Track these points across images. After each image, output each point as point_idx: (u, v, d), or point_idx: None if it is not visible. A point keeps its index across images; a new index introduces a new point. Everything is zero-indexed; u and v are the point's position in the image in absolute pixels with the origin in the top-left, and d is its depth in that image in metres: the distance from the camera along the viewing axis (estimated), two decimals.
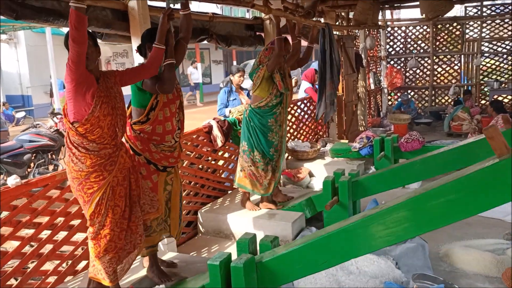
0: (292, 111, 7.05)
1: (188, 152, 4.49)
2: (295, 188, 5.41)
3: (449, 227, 4.38)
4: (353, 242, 2.31)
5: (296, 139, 6.97)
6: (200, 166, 4.70)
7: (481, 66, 11.06)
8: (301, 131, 7.32)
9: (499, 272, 3.36)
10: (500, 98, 9.89)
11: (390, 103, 11.46)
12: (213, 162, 4.94)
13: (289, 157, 6.38)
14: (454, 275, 3.44)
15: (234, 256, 2.53)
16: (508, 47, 10.80)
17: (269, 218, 4.09)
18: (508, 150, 1.85)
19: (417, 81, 11.58)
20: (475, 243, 3.98)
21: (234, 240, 4.16)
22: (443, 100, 11.44)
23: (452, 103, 10.28)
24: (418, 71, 11.53)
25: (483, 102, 10.87)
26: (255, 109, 4.15)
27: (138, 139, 2.95)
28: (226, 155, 5.15)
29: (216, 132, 4.77)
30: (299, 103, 7.26)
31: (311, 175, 5.89)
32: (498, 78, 10.93)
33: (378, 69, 11.31)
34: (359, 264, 3.42)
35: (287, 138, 6.43)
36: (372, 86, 10.40)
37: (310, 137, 7.58)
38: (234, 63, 21.23)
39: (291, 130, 6.96)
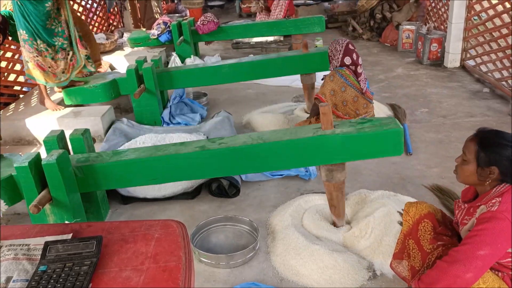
0: (78, 0, 6.39)
1: None
2: None
3: (247, 99, 4.91)
4: (181, 168, 2.42)
5: None
6: None
7: None
8: (92, 22, 6.76)
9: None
10: None
11: None
12: None
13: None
14: None
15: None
16: None
17: (75, 116, 3.86)
18: (332, 126, 2.24)
19: None
20: (270, 108, 4.55)
21: (39, 145, 3.86)
22: None
23: None
24: None
25: None
26: None
27: None
28: (9, 54, 4.49)
29: None
30: None
31: (112, 67, 5.62)
32: None
33: None
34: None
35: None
36: None
37: (104, 28, 7.09)
38: None
39: None
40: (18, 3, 3.55)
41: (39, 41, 3.67)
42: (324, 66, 3.99)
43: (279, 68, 4.28)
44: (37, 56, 3.71)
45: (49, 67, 3.78)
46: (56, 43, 3.74)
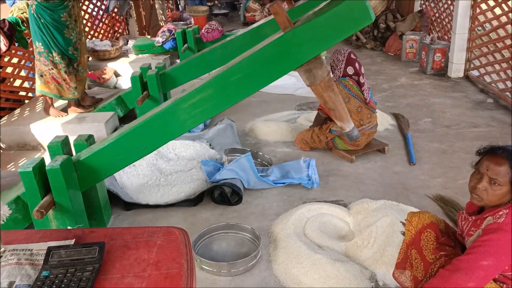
0: (84, 7, 6.45)
1: None
2: (103, 90, 5.18)
3: (250, 107, 4.91)
4: (167, 125, 2.38)
5: (94, 38, 6.49)
6: None
7: None
8: (98, 29, 6.81)
9: (293, 137, 3.98)
10: None
11: None
12: None
13: (90, 58, 5.95)
14: (259, 145, 3.94)
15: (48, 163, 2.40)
16: None
17: (80, 122, 3.88)
18: (291, 24, 2.06)
19: None
20: (273, 116, 4.56)
21: (44, 150, 3.88)
22: None
23: None
24: None
25: None
26: (43, 4, 3.61)
27: None
28: (15, 60, 4.53)
29: None
30: None
31: (117, 74, 5.66)
32: None
33: None
34: (176, 151, 3.61)
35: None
36: None
37: (109, 35, 7.14)
38: None
39: (86, 29, 6.43)
40: (35, 15, 3.63)
41: (54, 53, 3.73)
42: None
43: (269, 32, 4.09)
44: (52, 69, 3.77)
45: (64, 80, 3.84)
46: (69, 52, 3.80)
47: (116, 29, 7.48)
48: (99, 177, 2.48)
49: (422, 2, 7.11)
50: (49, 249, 1.24)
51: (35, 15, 3.64)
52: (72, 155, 2.58)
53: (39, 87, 3.89)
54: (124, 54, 6.27)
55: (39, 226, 2.34)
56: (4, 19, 4.22)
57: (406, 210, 2.70)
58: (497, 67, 4.85)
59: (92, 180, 2.46)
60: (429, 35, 6.32)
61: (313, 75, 2.09)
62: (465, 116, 4.41)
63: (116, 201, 3.01)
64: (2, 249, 1.27)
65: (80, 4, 4.84)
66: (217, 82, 2.25)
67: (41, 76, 3.84)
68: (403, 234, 2.06)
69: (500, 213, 1.67)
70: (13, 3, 4.59)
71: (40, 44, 3.71)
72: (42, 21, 3.63)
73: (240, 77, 2.19)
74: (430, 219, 1.97)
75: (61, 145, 2.47)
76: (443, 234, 1.94)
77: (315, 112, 4.36)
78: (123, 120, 4.36)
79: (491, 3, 4.93)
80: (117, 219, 2.92)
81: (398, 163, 3.51)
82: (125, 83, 5.44)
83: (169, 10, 10.01)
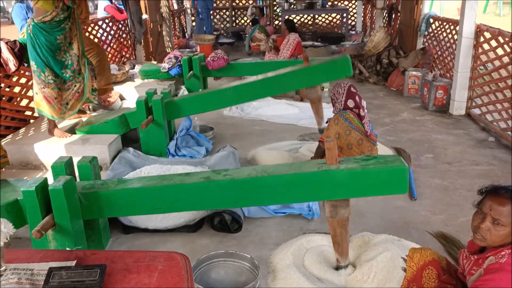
0: (94, 32, 6.58)
1: None
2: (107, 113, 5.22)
3: (253, 135, 4.94)
4: (189, 199, 2.41)
5: None
6: None
7: None
8: (106, 53, 6.91)
9: None
10: (291, 18, 10.90)
11: (193, 24, 11.58)
12: (7, 89, 4.37)
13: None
14: None
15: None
16: None
17: (83, 143, 3.90)
18: (336, 162, 2.23)
19: (218, 2, 11.89)
20: (275, 145, 4.57)
21: (46, 170, 3.88)
22: (242, 21, 12.08)
23: (250, 23, 10.96)
24: None
25: (276, 22, 11.86)
26: (40, 24, 3.66)
27: None
28: (23, 80, 4.59)
29: (6, 54, 4.16)
30: (100, 23, 6.78)
31: (122, 98, 5.72)
32: None
33: None
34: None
35: None
36: (175, 6, 10.29)
37: (116, 59, 7.25)
38: None
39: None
40: (31, 34, 3.69)
41: (46, 73, 3.76)
42: (327, 77, 3.97)
43: (283, 85, 4.18)
44: (43, 88, 3.81)
45: (55, 98, 3.86)
46: (63, 75, 3.83)
47: (124, 54, 7.61)
48: (104, 214, 2.49)
49: (425, 40, 7.25)
50: (50, 270, 1.23)
51: (31, 35, 3.69)
52: (75, 176, 2.58)
53: (35, 104, 3.92)
54: (130, 78, 6.36)
55: (38, 246, 2.32)
56: (15, 40, 4.31)
57: (407, 245, 2.68)
58: (498, 106, 4.90)
59: (96, 214, 2.46)
60: (431, 72, 6.41)
61: (336, 211, 2.23)
62: (466, 153, 4.43)
63: (115, 224, 2.99)
64: (3, 268, 1.26)
65: (83, 28, 4.92)
66: (249, 183, 2.33)
67: (36, 94, 3.88)
68: (404, 270, 2.04)
69: (503, 253, 1.66)
70: (23, 26, 4.70)
71: (34, 63, 3.76)
72: (38, 41, 3.68)
73: (276, 187, 2.31)
74: (432, 256, 1.96)
75: (64, 166, 2.48)
76: (444, 272, 1.92)
77: (316, 143, 4.39)
78: (126, 142, 4.38)
79: (494, 44, 5.02)
80: (115, 242, 2.90)
81: (400, 197, 3.50)
82: (129, 106, 5.48)
83: (175, 37, 10.20)
